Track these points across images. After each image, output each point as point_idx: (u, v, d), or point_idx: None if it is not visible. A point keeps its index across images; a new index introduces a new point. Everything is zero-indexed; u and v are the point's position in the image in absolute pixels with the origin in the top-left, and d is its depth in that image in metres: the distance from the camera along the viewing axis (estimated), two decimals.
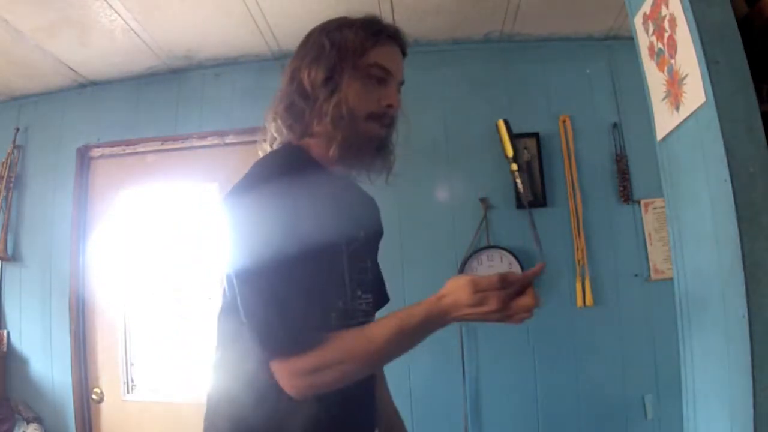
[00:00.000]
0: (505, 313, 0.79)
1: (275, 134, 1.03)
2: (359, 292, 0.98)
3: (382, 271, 1.17)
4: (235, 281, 0.86)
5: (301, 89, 0.99)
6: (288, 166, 0.93)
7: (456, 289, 0.81)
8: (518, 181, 2.29)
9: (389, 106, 0.99)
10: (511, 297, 0.80)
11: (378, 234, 1.15)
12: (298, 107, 0.99)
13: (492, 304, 0.78)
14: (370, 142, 1.00)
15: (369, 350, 0.83)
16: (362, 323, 0.95)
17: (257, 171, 0.94)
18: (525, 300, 0.80)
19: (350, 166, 1.03)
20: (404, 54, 1.05)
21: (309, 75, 0.98)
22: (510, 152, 2.27)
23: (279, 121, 1.01)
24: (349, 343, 0.83)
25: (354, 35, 0.98)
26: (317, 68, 0.97)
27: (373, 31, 0.99)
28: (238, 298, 0.86)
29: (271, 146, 1.05)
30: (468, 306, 0.79)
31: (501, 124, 2.30)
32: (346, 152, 0.98)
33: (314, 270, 0.85)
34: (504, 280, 0.79)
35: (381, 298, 1.17)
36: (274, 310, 0.81)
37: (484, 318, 0.80)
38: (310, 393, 0.84)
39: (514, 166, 2.27)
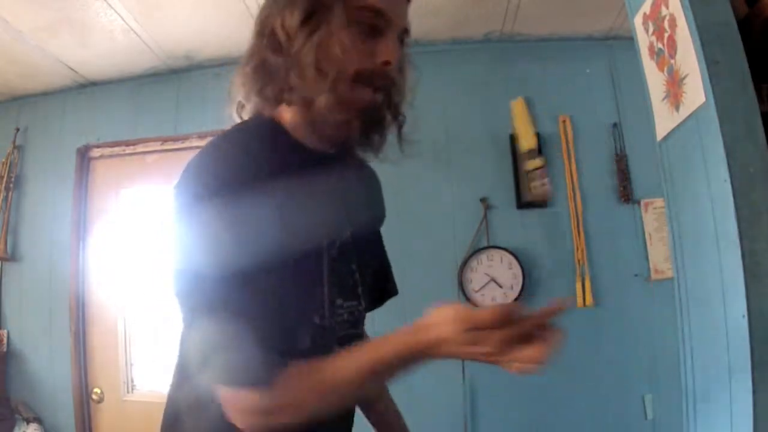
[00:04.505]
0: (501, 358, 0.61)
1: (243, 101, 0.83)
2: (340, 301, 0.81)
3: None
4: (177, 294, 0.70)
5: (273, 41, 0.77)
6: (251, 147, 0.74)
7: (442, 323, 0.62)
8: (537, 182, 1.53)
9: (386, 63, 0.76)
10: (513, 339, 0.60)
11: (376, 223, 0.99)
12: (270, 64, 0.77)
13: (486, 347, 0.60)
14: (357, 112, 0.77)
15: (332, 391, 0.67)
16: (343, 338, 0.80)
17: (211, 153, 0.75)
18: (530, 352, 0.60)
19: (333, 143, 0.82)
20: None
21: (283, 22, 0.76)
22: (530, 143, 1.35)
23: (247, 86, 0.81)
24: (311, 384, 0.66)
25: None
26: (293, 12, 0.75)
27: None
28: (182, 314, 0.71)
29: (239, 116, 0.85)
30: (457, 344, 0.62)
31: (517, 104, 1.38)
32: (327, 123, 0.78)
33: (276, 284, 0.67)
34: (505, 318, 0.59)
35: (383, 294, 1.07)
36: (223, 332, 0.64)
37: (474, 358, 0.63)
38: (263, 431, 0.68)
39: (537, 162, 1.47)
